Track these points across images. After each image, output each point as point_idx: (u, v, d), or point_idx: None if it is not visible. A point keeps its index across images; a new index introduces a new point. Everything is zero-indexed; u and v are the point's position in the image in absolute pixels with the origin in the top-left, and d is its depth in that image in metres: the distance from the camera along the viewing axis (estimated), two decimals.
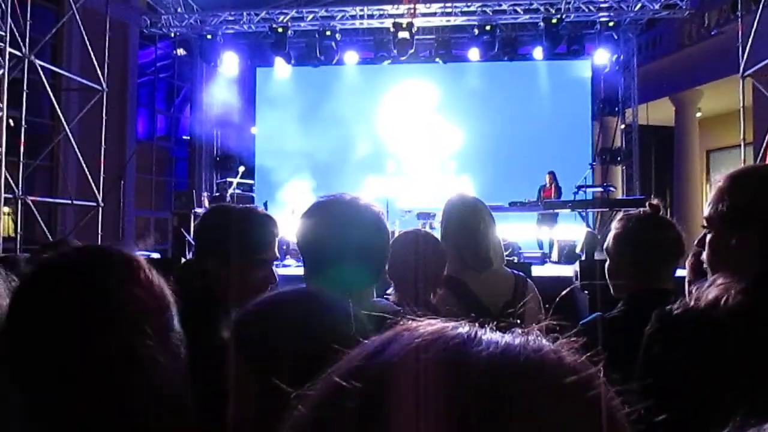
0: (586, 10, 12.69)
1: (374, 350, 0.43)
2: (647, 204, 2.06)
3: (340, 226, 1.48)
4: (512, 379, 0.39)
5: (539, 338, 0.43)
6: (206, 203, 11.16)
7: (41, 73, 8.91)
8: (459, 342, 0.42)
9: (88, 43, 9.50)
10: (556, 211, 10.71)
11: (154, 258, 8.47)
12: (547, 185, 11.60)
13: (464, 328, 0.43)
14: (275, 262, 1.89)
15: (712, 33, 12.84)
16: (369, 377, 0.41)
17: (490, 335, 0.42)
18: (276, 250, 1.89)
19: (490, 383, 0.39)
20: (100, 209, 9.65)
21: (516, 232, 11.09)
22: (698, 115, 14.86)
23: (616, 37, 13.13)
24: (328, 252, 1.48)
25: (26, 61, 8.60)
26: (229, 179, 12.58)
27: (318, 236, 1.51)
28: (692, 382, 1.13)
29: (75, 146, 9.45)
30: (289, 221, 7.69)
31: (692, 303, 1.20)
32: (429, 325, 0.43)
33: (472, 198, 2.52)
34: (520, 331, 0.43)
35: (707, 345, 1.14)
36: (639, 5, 12.57)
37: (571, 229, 11.12)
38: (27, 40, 8.58)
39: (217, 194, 12.59)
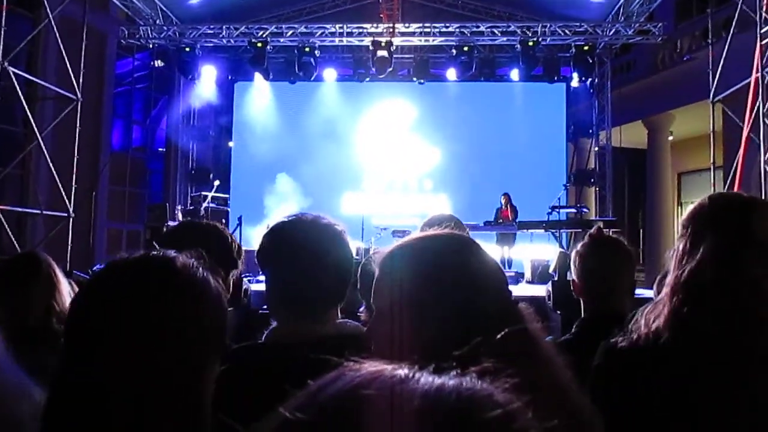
0: (562, 33, 12.92)
1: (318, 387, 0.47)
2: (594, 227, 2.12)
3: (299, 248, 1.48)
4: (443, 415, 0.43)
5: (474, 379, 0.47)
6: (179, 216, 11.12)
7: (15, 80, 8.78)
8: (396, 381, 0.46)
9: (64, 52, 9.40)
10: (530, 230, 10.78)
11: None
12: (503, 206, 11.62)
13: (403, 370, 0.47)
14: (250, 276, 1.85)
15: (685, 59, 13.16)
16: (312, 411, 0.45)
17: (426, 377, 0.46)
18: (239, 267, 1.88)
19: (422, 419, 0.43)
20: (71, 220, 9.50)
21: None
22: (670, 138, 15.16)
23: (590, 61, 13.28)
24: (287, 274, 1.48)
25: (0, 68, 8.50)
26: (203, 193, 12.54)
27: (277, 259, 1.51)
28: (634, 419, 1.17)
29: (47, 155, 9.32)
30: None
31: (635, 335, 1.25)
32: (371, 366, 0.48)
33: (450, 215, 2.50)
34: (456, 372, 0.48)
35: (644, 382, 1.19)
36: (613, 30, 12.89)
37: (545, 249, 11.25)
38: (1, 46, 8.45)
39: (191, 208, 12.54)
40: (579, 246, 2.08)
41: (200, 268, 0.96)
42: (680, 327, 1.20)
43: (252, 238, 9.78)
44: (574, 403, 0.82)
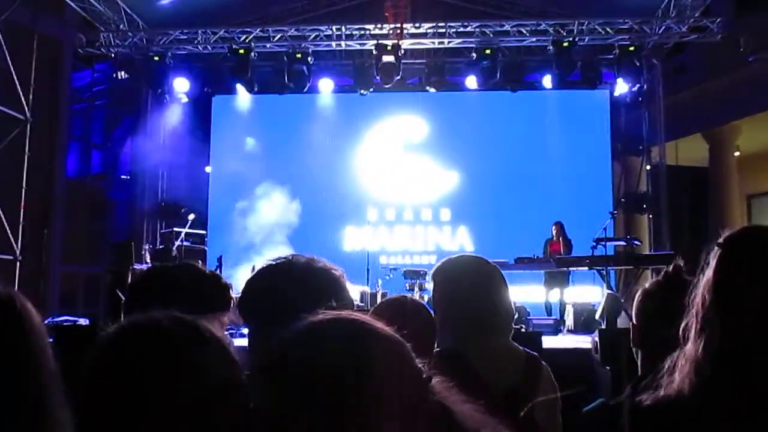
0: (603, 32, 13.00)
1: None
2: (671, 265, 2.06)
3: (288, 300, 1.47)
4: None
5: None
6: (147, 258, 11.09)
7: None
8: None
9: (10, 64, 9.47)
10: (569, 269, 10.79)
11: (81, 325, 8.31)
12: (554, 238, 11.67)
13: None
14: (232, 330, 1.85)
15: (749, 60, 13.16)
16: None
17: None
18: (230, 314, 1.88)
19: None
20: (18, 263, 9.49)
21: (521, 293, 11.15)
22: (736, 154, 15.08)
23: (638, 63, 13.29)
24: (275, 332, 1.48)
25: None
26: (176, 229, 12.46)
27: (262, 313, 1.52)
28: None
29: None
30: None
31: (661, 392, 1.30)
32: None
33: (474, 257, 2.51)
34: None
35: None
36: (663, 27, 12.95)
37: (589, 291, 11.31)
38: None
39: (162, 247, 12.58)
40: (648, 284, 2.05)
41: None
42: (707, 387, 1.23)
43: (234, 282, 9.55)
44: None
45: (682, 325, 1.55)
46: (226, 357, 1.09)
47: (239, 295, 1.64)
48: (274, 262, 1.59)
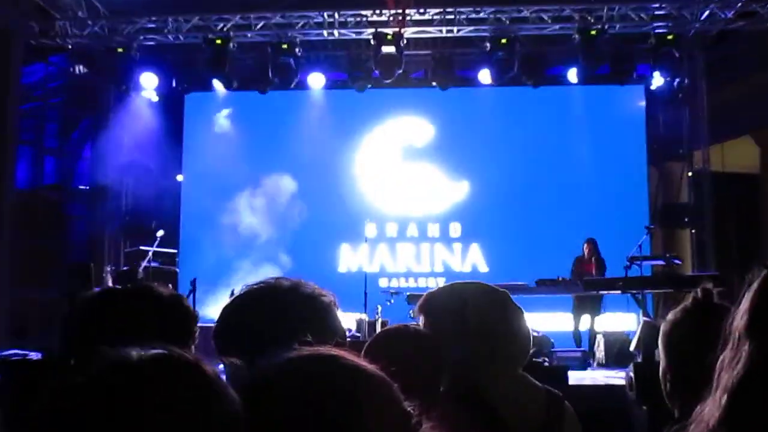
0: (636, 19, 13.07)
1: None
2: (700, 288, 2.05)
3: (266, 334, 1.48)
4: None
5: None
6: (110, 281, 11.08)
7: None
8: None
9: None
10: (600, 292, 10.90)
11: (32, 360, 8.26)
12: (586, 257, 11.69)
13: None
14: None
15: None
16: None
17: None
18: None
19: None
20: None
21: (545, 321, 11.26)
22: None
23: (677, 54, 13.29)
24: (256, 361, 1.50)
25: None
26: (143, 248, 12.47)
27: (241, 346, 1.51)
28: None
29: None
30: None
31: None
32: None
33: (476, 282, 2.51)
34: None
35: None
36: (707, 13, 12.94)
37: (623, 319, 11.56)
38: None
39: (126, 269, 12.57)
40: (672, 314, 2.04)
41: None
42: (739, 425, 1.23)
43: (210, 309, 9.22)
44: None
45: (719, 358, 1.57)
46: (225, 401, 1.04)
47: (215, 326, 1.63)
48: (255, 287, 1.60)
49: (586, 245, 11.68)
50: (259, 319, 1.52)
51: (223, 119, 14.48)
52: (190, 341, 1.80)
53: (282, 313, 1.51)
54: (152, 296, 1.86)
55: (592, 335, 11.21)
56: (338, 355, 1.08)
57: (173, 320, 1.80)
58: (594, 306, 11.24)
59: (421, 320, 2.31)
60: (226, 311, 1.63)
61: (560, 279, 10.92)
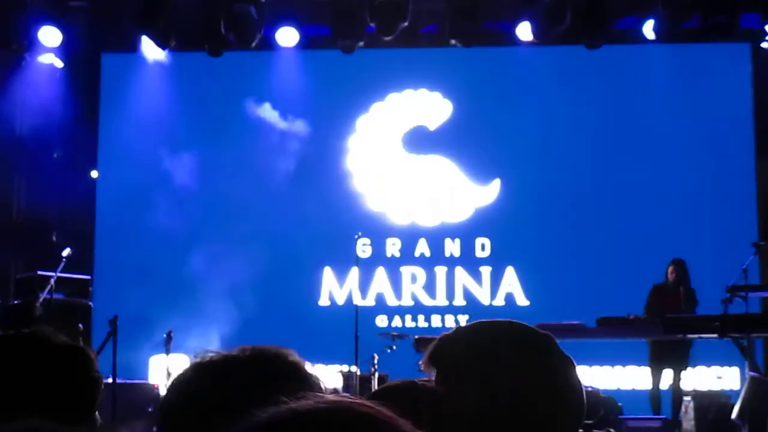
0: None
1: None
2: None
3: (241, 408, 1.50)
4: None
5: None
6: None
7: None
8: None
9: None
10: (688, 336, 11.07)
11: None
12: (669, 285, 11.52)
13: None
14: None
15: None
16: None
17: None
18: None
19: None
20: None
21: (611, 377, 11.45)
22: None
23: None
24: None
25: None
26: (41, 272, 12.23)
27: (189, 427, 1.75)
28: None
29: None
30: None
31: None
32: None
33: (508, 321, 2.53)
34: None
35: None
36: None
37: (720, 374, 12.28)
38: None
39: (17, 303, 12.66)
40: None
41: None
42: None
43: (138, 356, 11.41)
44: None
45: None
46: None
47: (161, 402, 1.81)
48: (208, 360, 1.81)
49: (670, 269, 11.48)
50: (215, 402, 1.76)
51: (155, 92, 14.19)
52: (90, 410, 2.05)
53: (240, 395, 1.74)
54: (42, 347, 2.06)
55: (676, 396, 11.32)
56: (352, 403, 1.16)
57: (68, 382, 2.03)
58: (680, 356, 11.36)
59: (432, 375, 2.47)
60: (172, 395, 1.80)
61: (631, 317, 11.12)
